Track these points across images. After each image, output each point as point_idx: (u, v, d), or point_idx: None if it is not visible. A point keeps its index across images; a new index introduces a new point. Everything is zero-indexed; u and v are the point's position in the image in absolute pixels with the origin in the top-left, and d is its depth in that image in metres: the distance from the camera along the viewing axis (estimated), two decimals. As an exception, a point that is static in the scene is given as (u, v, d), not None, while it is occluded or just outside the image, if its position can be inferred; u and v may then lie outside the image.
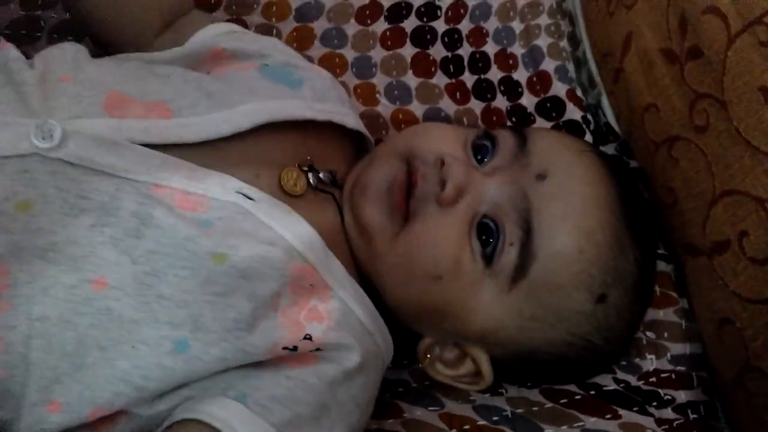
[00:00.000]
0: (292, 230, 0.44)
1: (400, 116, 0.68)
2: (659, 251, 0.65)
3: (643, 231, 0.51)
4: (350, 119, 0.54)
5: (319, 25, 0.69)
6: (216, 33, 0.55)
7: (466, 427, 0.52)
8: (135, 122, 0.43)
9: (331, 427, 0.42)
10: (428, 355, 0.51)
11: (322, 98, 0.52)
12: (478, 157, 0.50)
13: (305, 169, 0.48)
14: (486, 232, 0.47)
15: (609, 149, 0.69)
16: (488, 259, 0.46)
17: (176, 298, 0.39)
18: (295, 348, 0.41)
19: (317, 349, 0.42)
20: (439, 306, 0.48)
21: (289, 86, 0.51)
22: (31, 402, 0.38)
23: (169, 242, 0.40)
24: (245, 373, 0.40)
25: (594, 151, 0.53)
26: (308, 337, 0.42)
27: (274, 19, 0.67)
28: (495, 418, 0.53)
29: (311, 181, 0.48)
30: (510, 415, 0.54)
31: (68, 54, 0.46)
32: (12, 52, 0.45)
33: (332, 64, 0.67)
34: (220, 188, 0.43)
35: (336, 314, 0.43)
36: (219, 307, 0.40)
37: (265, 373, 0.40)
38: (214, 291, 0.40)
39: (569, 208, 0.47)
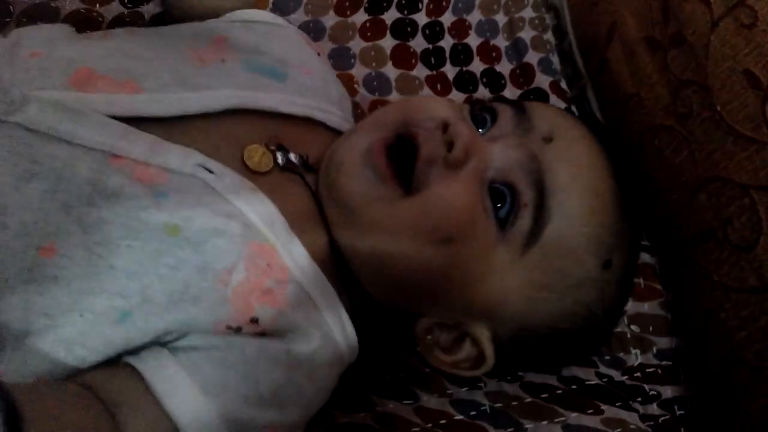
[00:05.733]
0: (253, 206, 0.42)
1: (379, 107, 0.67)
2: (643, 242, 0.63)
3: (631, 200, 0.50)
4: (332, 117, 0.53)
5: (297, 18, 0.68)
6: (236, 18, 0.56)
7: (443, 421, 0.51)
8: (100, 95, 0.42)
9: (260, 408, 0.40)
10: (428, 337, 0.49)
11: (306, 94, 0.51)
12: (478, 129, 0.49)
13: (272, 148, 0.47)
14: (497, 196, 0.46)
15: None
16: (502, 222, 0.45)
17: (127, 269, 0.39)
18: (239, 329, 0.40)
19: (262, 333, 0.41)
20: (447, 274, 0.45)
21: (274, 79, 0.50)
22: None
23: (123, 212, 0.39)
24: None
25: (583, 122, 0.53)
26: (254, 320, 0.40)
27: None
28: (473, 413, 0.52)
29: (279, 159, 0.47)
30: (488, 410, 0.52)
31: (45, 32, 0.46)
32: None
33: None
34: (181, 161, 0.42)
35: (291, 298, 0.41)
36: (169, 279, 0.39)
37: (203, 334, 0.39)
38: (167, 263, 0.39)
39: (580, 169, 0.46)
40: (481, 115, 0.49)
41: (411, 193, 0.45)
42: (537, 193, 0.45)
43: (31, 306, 0.37)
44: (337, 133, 0.53)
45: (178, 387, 0.37)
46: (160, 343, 0.39)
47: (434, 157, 0.45)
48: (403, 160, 0.46)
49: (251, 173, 0.45)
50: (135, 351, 0.38)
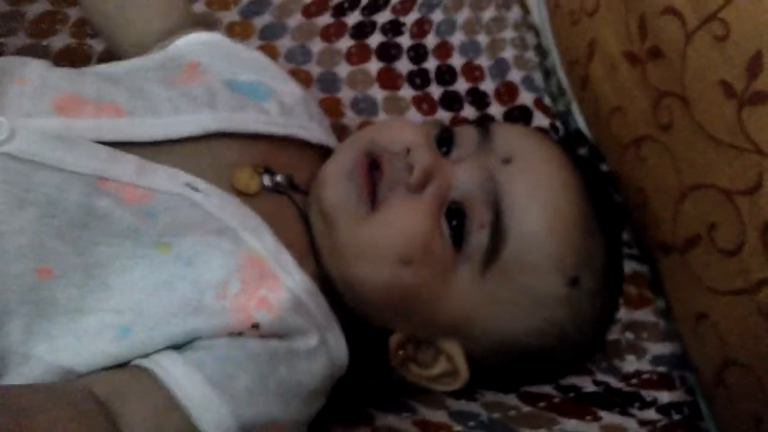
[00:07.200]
0: (240, 220, 0.44)
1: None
2: (633, 252, 0.64)
3: (607, 217, 0.51)
4: (315, 134, 0.54)
5: (284, 44, 0.70)
6: (197, 41, 0.56)
7: (442, 433, 0.51)
8: (86, 121, 0.44)
9: (267, 403, 0.40)
10: (400, 352, 0.50)
11: (288, 113, 0.53)
12: (443, 150, 0.51)
13: (260, 170, 0.48)
14: (455, 216, 0.47)
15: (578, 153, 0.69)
16: (458, 243, 0.46)
17: (121, 287, 0.40)
18: (240, 334, 0.41)
19: (264, 336, 0.42)
20: (411, 294, 0.47)
21: (255, 98, 0.51)
22: None
23: (114, 233, 0.41)
24: None
25: (552, 139, 0.54)
26: (255, 326, 0.41)
27: (239, 38, 0.67)
28: (471, 424, 0.52)
29: (265, 182, 0.48)
30: (486, 421, 0.53)
31: (28, 62, 0.47)
32: None
33: (296, 80, 0.67)
34: (168, 181, 0.44)
35: (286, 305, 0.43)
36: (164, 295, 0.40)
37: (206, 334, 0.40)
38: (160, 279, 0.40)
39: (537, 189, 0.47)
40: (445, 137, 0.51)
41: (373, 211, 0.47)
42: (494, 214, 0.46)
43: (32, 329, 0.38)
44: (320, 148, 0.54)
45: (187, 381, 0.38)
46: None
47: (396, 180, 0.47)
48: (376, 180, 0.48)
49: (240, 196, 0.46)
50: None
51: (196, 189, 0.44)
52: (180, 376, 0.38)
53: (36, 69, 0.46)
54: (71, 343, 0.39)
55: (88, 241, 0.40)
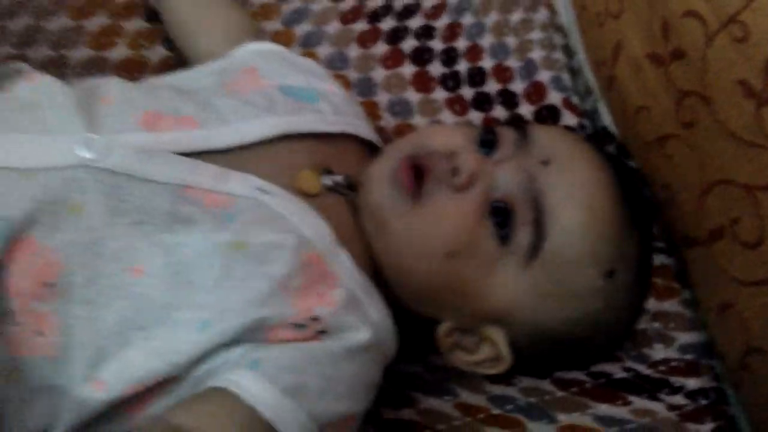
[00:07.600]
0: (304, 221, 0.48)
1: (405, 130, 0.71)
2: (660, 245, 0.67)
3: (640, 214, 0.54)
4: (364, 130, 0.58)
5: (322, 51, 0.74)
6: (255, 50, 0.61)
7: (481, 415, 0.54)
8: (167, 135, 0.48)
9: (336, 401, 0.45)
10: (448, 340, 0.53)
11: (338, 112, 0.57)
12: (484, 151, 0.53)
13: (321, 171, 0.52)
14: (500, 215, 0.50)
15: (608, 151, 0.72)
16: (504, 239, 0.50)
17: (204, 284, 0.44)
18: (302, 326, 0.45)
19: (323, 331, 0.45)
20: (457, 285, 0.50)
21: (307, 101, 0.56)
22: (78, 381, 0.42)
23: (197, 235, 0.45)
24: (256, 346, 0.44)
25: (587, 140, 0.57)
26: (316, 318, 0.45)
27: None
28: (509, 407, 0.55)
29: (326, 182, 0.52)
30: (523, 404, 0.56)
31: (106, 81, 0.52)
32: (49, 78, 0.51)
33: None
34: (242, 186, 0.48)
35: (342, 301, 0.46)
36: (241, 289, 0.44)
37: (274, 346, 0.44)
38: (237, 276, 0.44)
39: (574, 189, 0.50)
40: (486, 139, 0.54)
41: (420, 204, 0.50)
42: (535, 213, 0.49)
43: (126, 321, 0.43)
44: (369, 144, 0.58)
45: (266, 395, 0.42)
46: (239, 341, 0.44)
47: (442, 179, 0.50)
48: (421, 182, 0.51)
49: (302, 196, 0.50)
50: (218, 354, 0.43)
51: (266, 192, 0.48)
52: (258, 391, 0.42)
53: (115, 87, 0.51)
54: (163, 332, 0.43)
55: (173, 243, 0.44)
